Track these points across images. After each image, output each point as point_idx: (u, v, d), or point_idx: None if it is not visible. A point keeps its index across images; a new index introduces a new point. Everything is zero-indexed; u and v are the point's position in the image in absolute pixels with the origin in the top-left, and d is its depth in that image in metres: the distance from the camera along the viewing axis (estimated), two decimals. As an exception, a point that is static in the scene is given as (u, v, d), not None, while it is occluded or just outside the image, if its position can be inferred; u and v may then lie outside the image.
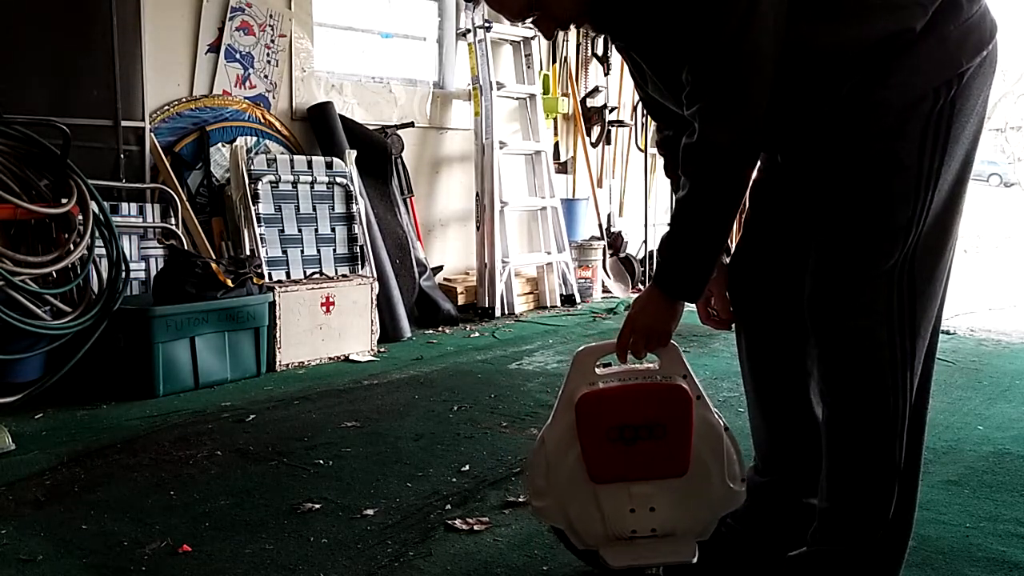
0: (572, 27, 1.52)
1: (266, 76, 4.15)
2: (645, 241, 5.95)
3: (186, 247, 3.59)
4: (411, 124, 4.73)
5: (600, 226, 5.71)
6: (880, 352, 1.41)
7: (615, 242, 5.69)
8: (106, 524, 1.98)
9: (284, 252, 3.90)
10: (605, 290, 5.55)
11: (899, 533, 1.50)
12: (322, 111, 4.27)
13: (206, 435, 2.64)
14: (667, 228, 1.50)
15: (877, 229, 1.39)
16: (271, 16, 4.13)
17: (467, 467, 2.36)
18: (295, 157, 4.03)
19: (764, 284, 1.63)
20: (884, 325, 1.40)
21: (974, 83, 1.38)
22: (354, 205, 4.12)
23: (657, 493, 1.51)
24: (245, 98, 4.06)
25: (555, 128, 5.68)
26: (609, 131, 5.84)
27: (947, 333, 4.31)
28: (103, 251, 3.25)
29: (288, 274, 3.88)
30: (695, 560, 1.52)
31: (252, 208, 3.77)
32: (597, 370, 1.54)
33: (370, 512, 2.04)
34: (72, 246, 3.10)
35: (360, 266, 4.10)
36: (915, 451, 1.48)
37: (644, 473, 1.50)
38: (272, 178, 3.87)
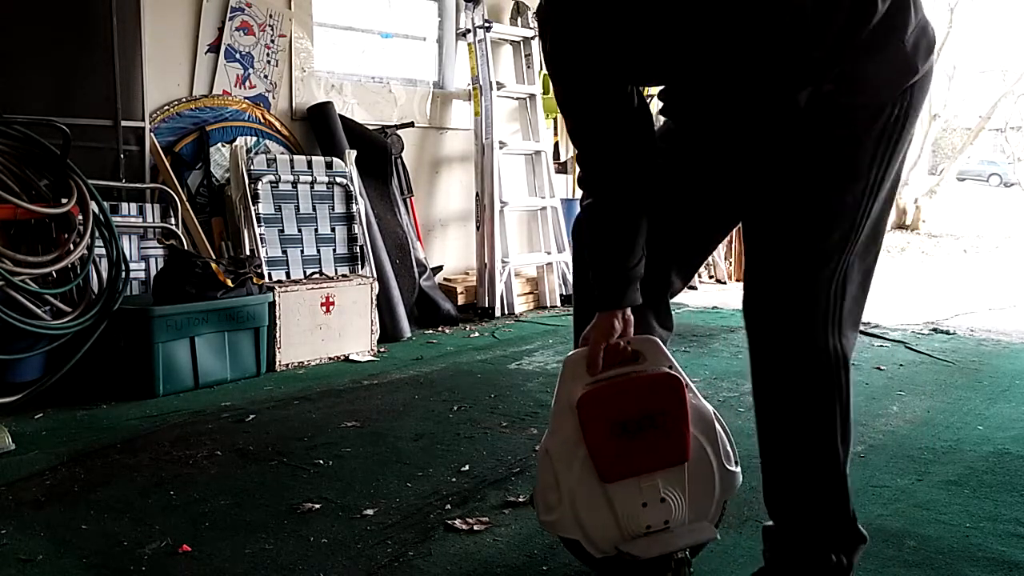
0: None
1: (266, 76, 4.15)
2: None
3: (186, 247, 3.59)
4: (411, 124, 4.73)
5: (600, 226, 5.70)
6: (820, 355, 1.43)
7: (615, 242, 5.68)
8: (106, 524, 1.98)
9: (284, 252, 3.90)
10: (605, 290, 5.54)
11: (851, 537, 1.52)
12: (322, 111, 4.27)
13: (206, 435, 2.64)
14: None
15: (823, 237, 1.40)
16: (271, 16, 4.13)
17: (467, 467, 2.36)
18: (295, 157, 4.03)
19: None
20: (820, 328, 1.42)
21: (921, 92, 1.39)
22: (354, 205, 4.12)
23: (665, 484, 1.54)
24: (245, 98, 4.06)
25: (555, 128, 5.68)
26: (609, 131, 5.83)
27: (947, 333, 4.32)
28: (103, 251, 3.25)
29: (288, 274, 3.88)
30: (717, 538, 1.59)
31: (252, 208, 3.77)
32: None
33: (370, 512, 2.04)
34: (72, 246, 3.10)
35: (360, 266, 4.10)
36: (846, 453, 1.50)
37: (651, 464, 1.53)
38: (272, 178, 3.87)
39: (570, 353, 1.58)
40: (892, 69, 1.35)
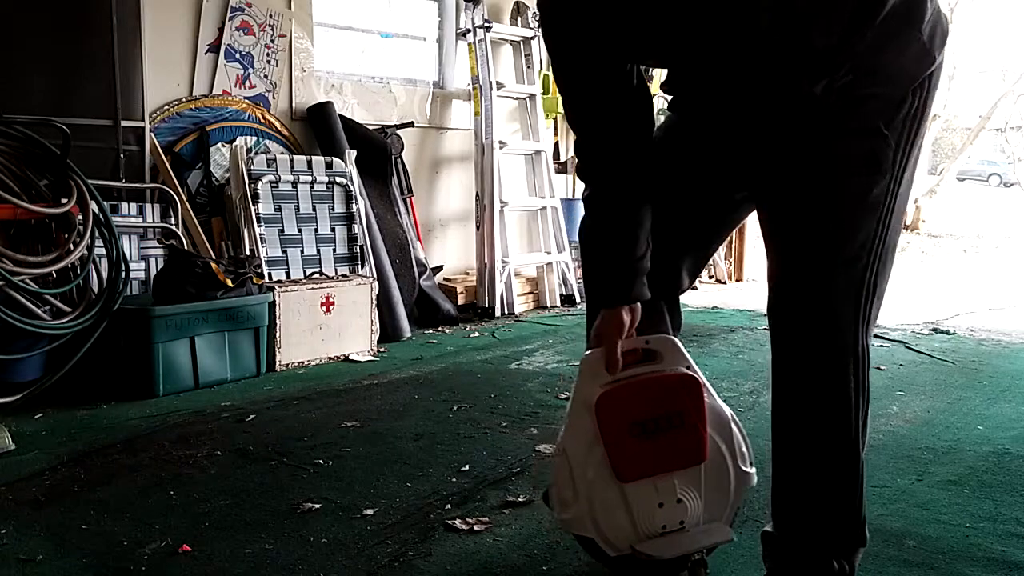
0: None
1: (266, 76, 4.15)
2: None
3: (186, 247, 3.59)
4: (411, 124, 4.73)
5: (600, 226, 5.69)
6: (850, 355, 1.41)
7: (615, 242, 5.67)
8: (106, 524, 1.98)
9: (284, 252, 3.90)
10: (605, 290, 5.53)
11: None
12: (322, 111, 4.27)
13: (206, 435, 2.64)
14: None
15: (851, 235, 1.38)
16: (271, 16, 4.13)
17: (467, 467, 2.36)
18: (295, 157, 4.03)
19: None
20: (852, 328, 1.40)
21: (936, 82, 1.38)
22: (354, 205, 4.12)
23: (682, 484, 1.54)
24: (245, 98, 4.06)
25: (555, 128, 5.68)
26: (609, 131, 5.82)
27: (947, 333, 4.32)
28: (103, 251, 3.25)
29: (288, 274, 3.88)
30: (734, 539, 1.59)
31: (252, 208, 3.77)
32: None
33: (370, 512, 2.04)
34: (72, 246, 3.10)
35: (360, 266, 4.10)
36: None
37: (668, 465, 1.53)
38: (272, 178, 3.87)
39: (587, 352, 1.57)
40: (910, 59, 1.33)
